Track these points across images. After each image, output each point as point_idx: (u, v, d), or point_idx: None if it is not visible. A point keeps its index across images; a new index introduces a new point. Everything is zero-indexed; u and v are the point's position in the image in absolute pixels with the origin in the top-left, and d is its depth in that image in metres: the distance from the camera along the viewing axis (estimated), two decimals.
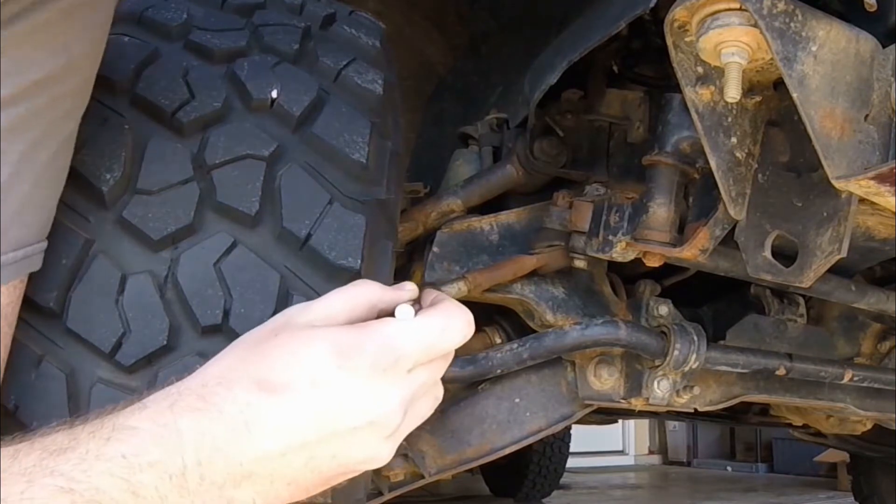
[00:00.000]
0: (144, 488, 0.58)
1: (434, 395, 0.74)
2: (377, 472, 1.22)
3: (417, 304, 0.74)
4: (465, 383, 1.25)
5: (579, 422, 1.37)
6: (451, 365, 1.17)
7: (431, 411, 0.74)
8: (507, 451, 1.28)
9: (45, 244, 0.74)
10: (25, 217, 0.69)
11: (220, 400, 0.63)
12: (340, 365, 0.65)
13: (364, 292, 0.72)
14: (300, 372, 0.64)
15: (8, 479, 0.55)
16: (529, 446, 1.96)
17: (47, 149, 0.70)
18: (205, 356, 0.69)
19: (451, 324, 0.71)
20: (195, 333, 0.77)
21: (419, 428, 1.22)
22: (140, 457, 0.59)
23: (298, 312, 0.70)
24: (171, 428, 0.61)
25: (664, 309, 1.28)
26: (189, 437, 0.61)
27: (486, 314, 1.34)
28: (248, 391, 0.63)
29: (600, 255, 1.16)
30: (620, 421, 5.69)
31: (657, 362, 1.22)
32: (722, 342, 1.33)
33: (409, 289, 0.75)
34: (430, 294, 0.76)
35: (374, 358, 0.66)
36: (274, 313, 0.77)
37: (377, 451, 0.68)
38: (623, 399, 1.28)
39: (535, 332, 1.24)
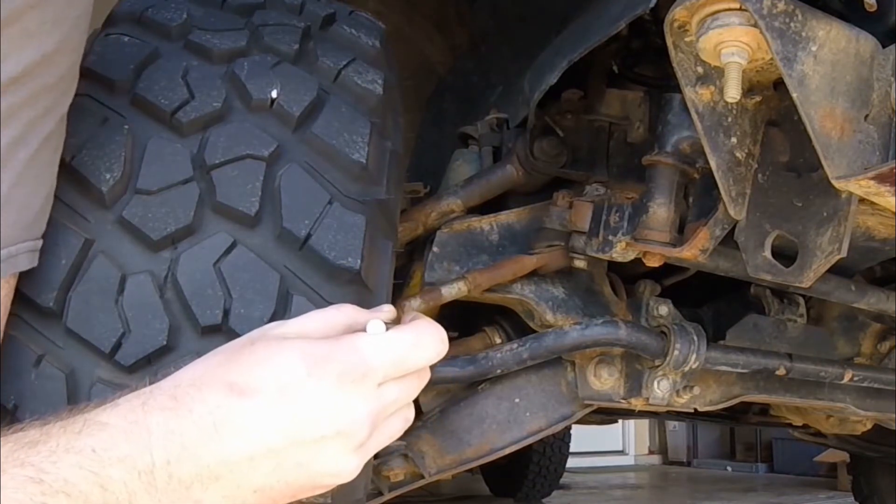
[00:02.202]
0: (113, 483, 0.59)
1: (405, 416, 0.75)
2: (377, 471, 1.22)
3: (396, 324, 0.75)
4: (465, 383, 1.25)
5: (579, 422, 1.37)
6: (451, 365, 1.18)
7: (401, 432, 0.75)
8: (507, 451, 1.28)
9: (36, 243, 0.73)
10: (8, 216, 0.69)
11: (190, 400, 0.63)
12: (310, 373, 0.65)
13: (340, 314, 0.73)
14: (269, 377, 0.65)
15: None
16: (529, 446, 1.96)
17: (27, 146, 0.69)
18: None
19: (423, 339, 0.72)
20: (195, 333, 0.77)
21: (419, 428, 1.24)
22: (109, 451, 0.60)
23: (274, 327, 0.71)
24: (141, 425, 0.61)
25: (664, 309, 1.28)
26: (158, 434, 0.61)
27: (486, 314, 1.35)
28: (218, 393, 0.64)
29: (600, 255, 1.16)
30: (620, 421, 5.68)
31: (657, 362, 1.22)
32: (722, 342, 1.33)
33: (386, 310, 0.76)
34: (409, 315, 0.77)
35: (343, 367, 0.67)
36: (274, 313, 0.77)
37: (343, 465, 0.68)
38: (623, 399, 1.28)
39: (535, 332, 1.24)
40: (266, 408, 0.64)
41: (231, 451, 0.63)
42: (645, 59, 1.32)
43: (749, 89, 0.94)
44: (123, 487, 0.59)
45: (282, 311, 0.78)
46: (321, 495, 0.76)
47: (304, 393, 0.65)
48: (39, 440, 0.59)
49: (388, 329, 0.72)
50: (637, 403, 1.28)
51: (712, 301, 1.54)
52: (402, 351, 0.70)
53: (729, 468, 7.94)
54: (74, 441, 0.59)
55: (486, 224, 1.28)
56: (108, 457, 0.59)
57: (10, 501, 0.56)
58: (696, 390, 1.32)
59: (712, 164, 0.95)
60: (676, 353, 1.19)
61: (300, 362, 0.66)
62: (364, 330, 0.71)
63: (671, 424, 8.34)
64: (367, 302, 0.82)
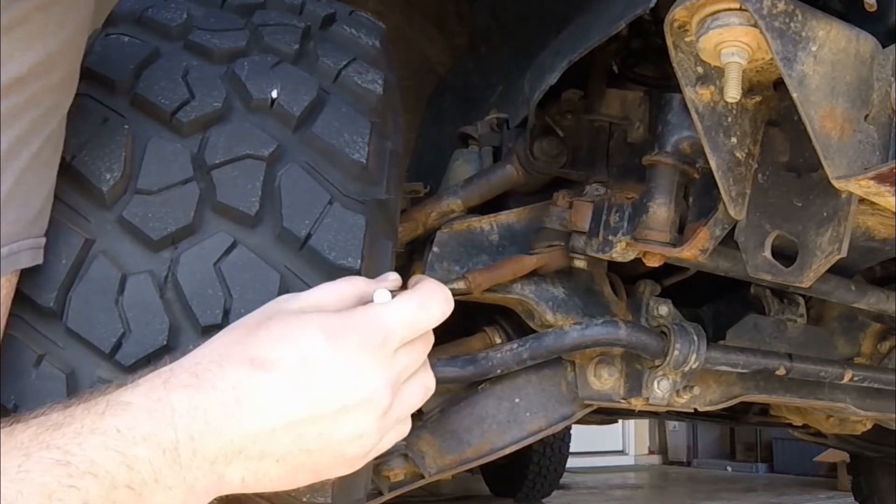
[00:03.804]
0: (139, 462, 0.60)
1: (423, 383, 0.76)
2: (377, 471, 1.22)
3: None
4: (465, 383, 1.25)
5: (579, 422, 1.37)
6: (451, 365, 1.18)
7: (423, 400, 0.76)
8: (507, 451, 1.28)
9: (39, 241, 0.74)
10: (9, 214, 0.69)
11: (212, 377, 0.64)
12: (329, 345, 0.67)
13: (352, 286, 0.75)
14: (290, 350, 0.66)
15: (5, 455, 0.56)
16: (529, 446, 1.96)
17: (30, 146, 0.70)
18: None
19: (429, 300, 0.74)
20: (195, 333, 0.77)
21: (419, 428, 1.24)
22: (133, 430, 0.60)
23: (289, 300, 0.72)
24: (164, 403, 0.62)
25: (664, 309, 1.28)
26: (181, 412, 0.62)
27: (486, 314, 1.35)
28: (239, 369, 0.65)
29: (600, 255, 1.16)
30: (620, 421, 5.69)
31: (657, 362, 1.21)
32: (722, 342, 1.33)
33: (392, 279, 0.78)
34: (415, 280, 0.78)
35: (362, 337, 0.68)
36: None
37: (366, 433, 0.69)
38: (623, 399, 1.28)
39: (535, 332, 1.24)
40: (288, 381, 0.65)
41: (254, 424, 0.64)
42: (645, 59, 1.32)
43: (749, 89, 0.94)
44: (149, 466, 0.60)
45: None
46: (321, 495, 0.77)
47: (324, 364, 0.66)
48: (63, 422, 0.59)
49: (394, 297, 0.74)
50: (637, 403, 1.28)
51: (712, 301, 1.54)
52: (413, 314, 0.72)
53: (729, 468, 7.94)
54: (99, 422, 0.60)
55: (486, 224, 1.28)
56: (132, 436, 0.60)
57: (38, 485, 0.56)
58: (696, 390, 1.32)
59: (712, 164, 0.95)
60: (676, 353, 1.19)
61: (319, 335, 0.67)
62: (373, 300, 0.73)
63: (671, 424, 8.35)
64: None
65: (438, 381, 1.18)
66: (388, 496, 1.26)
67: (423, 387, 0.76)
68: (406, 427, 0.76)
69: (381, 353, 0.69)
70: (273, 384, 0.65)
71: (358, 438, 0.69)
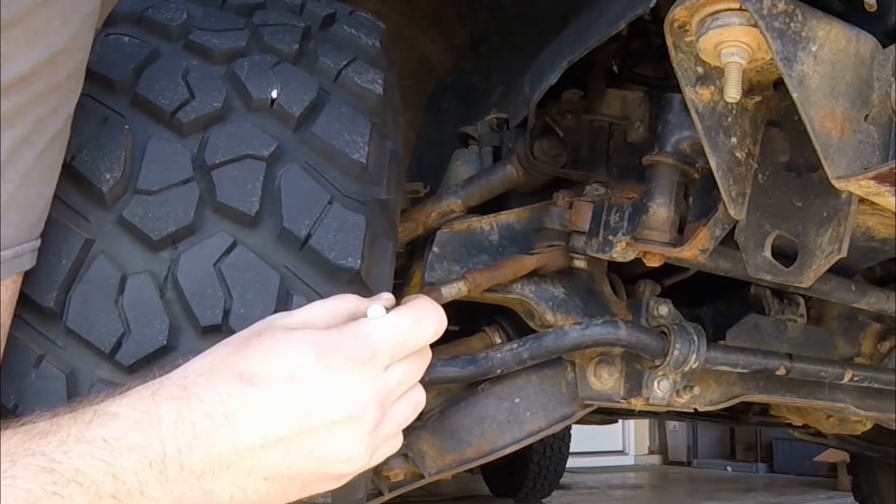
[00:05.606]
0: (125, 472, 0.60)
1: (415, 400, 0.75)
2: (377, 471, 1.22)
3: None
4: (465, 383, 1.26)
5: (579, 422, 1.37)
6: (450, 365, 1.18)
7: (413, 417, 0.75)
8: (507, 451, 1.28)
9: (37, 243, 0.74)
10: (13, 216, 0.69)
11: (200, 390, 0.64)
12: (317, 360, 0.67)
13: (343, 303, 0.74)
14: (278, 366, 0.66)
15: None
16: (529, 446, 1.96)
17: (33, 146, 0.69)
18: None
19: (423, 318, 0.73)
20: (195, 333, 0.77)
21: (419, 428, 1.24)
22: (120, 441, 0.60)
23: (280, 318, 0.72)
24: (152, 414, 0.62)
25: (664, 309, 1.28)
26: (169, 424, 0.62)
27: (487, 314, 1.35)
28: (228, 382, 0.65)
29: (600, 255, 1.16)
30: (620, 421, 5.69)
31: (657, 362, 1.21)
32: (722, 342, 1.33)
33: (385, 297, 0.77)
34: (410, 299, 0.78)
35: (350, 353, 0.68)
36: (274, 313, 0.77)
37: (355, 449, 0.69)
38: (623, 399, 1.28)
39: (535, 332, 1.24)
40: (276, 395, 0.65)
41: (242, 438, 0.64)
42: (645, 59, 1.32)
43: (749, 89, 0.94)
44: (135, 477, 0.60)
45: (282, 311, 0.78)
46: (321, 495, 0.76)
47: (312, 380, 0.66)
48: (50, 430, 0.59)
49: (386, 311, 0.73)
50: (637, 403, 1.28)
51: (712, 301, 1.54)
52: (404, 331, 0.72)
53: (729, 468, 7.94)
54: (85, 431, 0.60)
55: (486, 224, 1.28)
56: (119, 446, 0.60)
57: (23, 491, 0.56)
58: (696, 390, 1.32)
59: (712, 164, 0.95)
60: (676, 353, 1.19)
61: (308, 350, 0.67)
62: (366, 316, 0.72)
63: (671, 424, 8.34)
64: None
65: (438, 381, 1.20)
66: (388, 496, 1.26)
67: (413, 402, 0.75)
68: (398, 442, 0.75)
69: (370, 369, 0.69)
70: (261, 398, 0.65)
71: (347, 455, 0.68)
